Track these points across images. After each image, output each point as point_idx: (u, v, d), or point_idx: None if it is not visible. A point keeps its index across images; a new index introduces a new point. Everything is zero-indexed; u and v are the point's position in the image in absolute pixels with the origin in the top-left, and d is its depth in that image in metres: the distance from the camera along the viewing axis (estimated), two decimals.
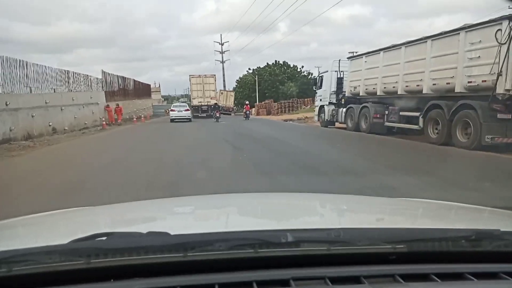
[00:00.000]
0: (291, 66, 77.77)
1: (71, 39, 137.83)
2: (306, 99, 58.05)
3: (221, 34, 66.03)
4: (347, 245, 0.97)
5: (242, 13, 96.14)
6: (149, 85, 57.46)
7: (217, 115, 29.14)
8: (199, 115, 33.31)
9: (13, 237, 1.26)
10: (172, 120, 27.22)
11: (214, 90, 39.15)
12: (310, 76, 75.33)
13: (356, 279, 0.91)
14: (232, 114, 53.22)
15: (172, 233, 0.97)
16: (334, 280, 0.91)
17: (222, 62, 75.28)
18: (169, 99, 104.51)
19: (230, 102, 58.05)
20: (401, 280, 0.91)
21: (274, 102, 61.23)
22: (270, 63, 77.90)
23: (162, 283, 0.88)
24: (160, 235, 0.96)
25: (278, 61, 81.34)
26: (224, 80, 69.70)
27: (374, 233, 1.06)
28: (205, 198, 2.26)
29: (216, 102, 34.81)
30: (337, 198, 2.19)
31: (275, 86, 73.97)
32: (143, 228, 1.02)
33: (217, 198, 2.07)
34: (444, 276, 0.92)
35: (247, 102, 39.49)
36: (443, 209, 1.73)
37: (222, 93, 57.14)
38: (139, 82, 43.07)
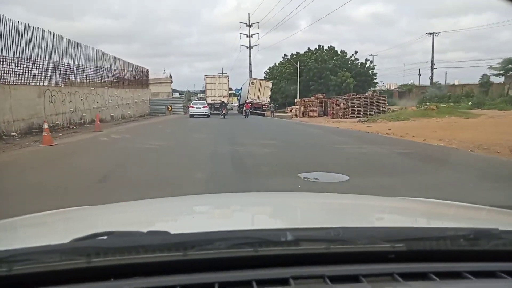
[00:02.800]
0: (338, 52, 56.73)
1: (95, 34, 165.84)
2: (361, 93, 41.25)
3: (248, 13, 58.76)
4: (346, 243, 0.96)
5: (262, 10, 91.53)
6: (146, 70, 41.07)
7: (224, 112, 32.18)
8: (212, 112, 34.72)
9: (14, 236, 1.29)
10: (192, 116, 31.34)
11: (226, 90, 40.75)
12: (368, 64, 55.64)
13: (355, 278, 0.90)
14: (267, 113, 39.33)
15: (172, 232, 0.96)
16: (333, 278, 0.90)
17: (249, 47, 57.22)
18: (185, 94, 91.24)
19: (265, 97, 40.95)
20: (400, 279, 0.90)
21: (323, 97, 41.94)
22: (312, 48, 56.54)
23: (162, 282, 0.88)
24: (160, 234, 0.96)
25: (322, 46, 58.02)
26: (250, 70, 53.91)
27: (373, 232, 1.05)
28: (205, 198, 2.21)
29: (223, 100, 36.96)
30: (337, 197, 2.17)
31: (324, 76, 55.25)
32: (143, 227, 1.02)
33: (217, 197, 2.07)
34: (443, 275, 0.92)
35: (248, 101, 38.17)
36: (442, 208, 1.70)
37: (253, 83, 41.17)
38: (118, 59, 30.08)
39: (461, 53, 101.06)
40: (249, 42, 54.64)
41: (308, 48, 54.25)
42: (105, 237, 0.91)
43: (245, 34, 53.60)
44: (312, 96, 41.78)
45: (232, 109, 50.95)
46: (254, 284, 0.87)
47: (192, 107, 32.44)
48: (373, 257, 0.94)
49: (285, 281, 0.88)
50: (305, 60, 52.38)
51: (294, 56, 54.33)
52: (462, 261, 0.95)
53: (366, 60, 53.14)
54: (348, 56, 52.21)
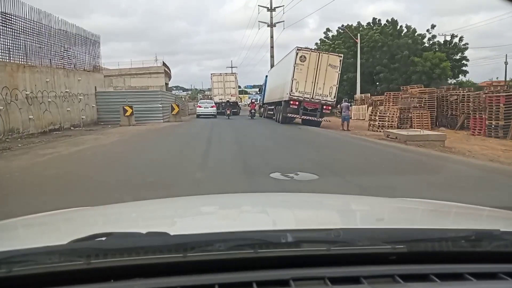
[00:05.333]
0: (404, 28, 35.60)
1: (103, 32, 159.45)
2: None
3: None
4: (347, 245, 0.98)
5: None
6: (95, 37, 22.80)
7: (228, 112, 29.75)
8: (219, 111, 32.57)
9: (13, 237, 1.33)
10: (198, 116, 30.78)
11: (234, 88, 36.92)
12: (458, 43, 34.45)
13: (355, 280, 0.92)
14: (328, 121, 21.14)
15: (171, 233, 0.98)
16: (334, 280, 0.91)
17: (271, 25, 39.63)
18: (191, 91, 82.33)
19: (330, 88, 19.76)
20: (401, 281, 0.92)
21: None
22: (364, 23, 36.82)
23: (161, 283, 0.90)
24: (160, 235, 0.97)
25: (378, 20, 36.38)
26: (272, 56, 38.90)
27: (374, 233, 1.05)
28: (205, 198, 2.19)
29: (228, 99, 34.12)
30: (337, 198, 2.17)
31: (400, 57, 34.72)
32: (143, 228, 1.03)
33: (217, 198, 2.02)
34: (444, 277, 0.94)
35: (253, 100, 33.44)
36: (443, 209, 1.64)
37: (302, 60, 20.07)
38: None
39: (471, 51, 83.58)
40: (271, 17, 38.47)
41: (359, 23, 36.72)
42: (104, 238, 0.95)
43: (265, 7, 38.77)
44: (406, 88, 23.68)
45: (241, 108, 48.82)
46: (255, 285, 0.90)
47: (200, 106, 33.02)
48: (374, 259, 0.98)
49: (285, 282, 0.91)
50: (364, 35, 32.28)
51: (343, 31, 35.33)
52: (463, 262, 0.99)
53: (453, 36, 34.46)
54: (419, 34, 33.96)
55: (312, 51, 20.96)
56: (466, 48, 35.81)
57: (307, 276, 0.89)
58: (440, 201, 1.99)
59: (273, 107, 26.08)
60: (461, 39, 35.58)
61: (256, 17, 44.79)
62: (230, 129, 17.90)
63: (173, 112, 25.29)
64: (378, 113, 20.66)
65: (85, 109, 20.47)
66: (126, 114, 21.04)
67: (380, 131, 18.13)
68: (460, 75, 37.07)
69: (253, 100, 33.70)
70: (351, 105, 25.64)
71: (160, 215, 1.63)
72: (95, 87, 22.23)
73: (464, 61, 35.72)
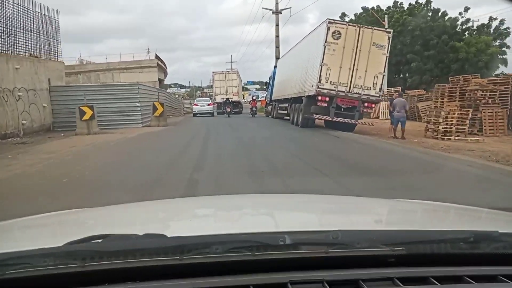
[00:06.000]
0: (432, 9, 29.57)
1: (101, 29, 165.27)
2: None
3: None
4: (346, 247, 0.99)
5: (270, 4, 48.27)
6: (53, 13, 16.19)
7: (228, 110, 30.21)
8: (221, 110, 34.75)
9: (7, 239, 1.33)
10: (195, 115, 32.92)
11: (236, 86, 36.22)
12: (499, 27, 28.19)
13: (354, 283, 0.93)
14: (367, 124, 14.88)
15: (168, 235, 0.99)
16: (332, 283, 0.92)
17: (277, 12, 35.25)
18: (190, 89, 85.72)
19: (374, 77, 12.71)
20: (400, 284, 0.92)
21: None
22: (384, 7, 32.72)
23: (158, 287, 0.91)
24: (157, 237, 0.98)
25: (400, 3, 30.36)
26: (277, 46, 35.24)
27: (372, 235, 1.06)
28: (203, 200, 2.23)
29: (227, 97, 34.38)
30: (336, 199, 2.19)
31: (436, 43, 26.97)
32: (140, 230, 1.04)
33: (215, 200, 2.07)
34: (443, 279, 0.95)
35: (253, 97, 34.84)
36: (442, 210, 1.66)
37: (336, 37, 12.59)
38: None
39: None
40: (276, 3, 33.42)
41: (378, 6, 30.98)
42: (100, 240, 0.95)
43: None
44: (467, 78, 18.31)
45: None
46: None
47: (196, 105, 34.96)
48: (373, 261, 0.99)
49: (283, 286, 0.91)
50: (389, 18, 26.82)
51: (365, 13, 31.15)
52: (462, 264, 0.99)
53: (491, 18, 28.02)
54: (450, 17, 28.14)
55: (349, 25, 14.94)
56: (509, 33, 30.47)
57: (305, 279, 0.87)
58: (439, 203, 1.95)
59: (286, 105, 20.71)
60: (502, 22, 30.20)
61: (256, 11, 43.09)
62: (232, 139, 12.47)
63: (156, 113, 19.35)
64: (442, 114, 13.66)
65: (30, 111, 14.54)
66: (83, 118, 14.92)
67: (450, 138, 12.55)
68: (500, 65, 32.00)
69: (254, 97, 33.02)
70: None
71: (157, 216, 1.60)
72: (49, 80, 16.16)
73: (504, 48, 30.13)
